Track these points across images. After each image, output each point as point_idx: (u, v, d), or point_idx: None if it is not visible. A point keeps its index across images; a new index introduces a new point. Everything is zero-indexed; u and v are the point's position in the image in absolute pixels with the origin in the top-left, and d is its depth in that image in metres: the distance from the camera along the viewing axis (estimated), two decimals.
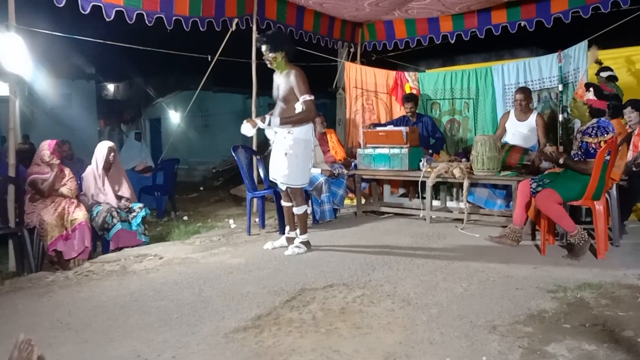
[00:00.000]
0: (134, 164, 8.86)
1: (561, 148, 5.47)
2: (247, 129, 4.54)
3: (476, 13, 7.25)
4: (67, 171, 5.12)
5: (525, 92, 5.89)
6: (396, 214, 6.45)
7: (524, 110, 5.87)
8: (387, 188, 7.22)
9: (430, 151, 6.66)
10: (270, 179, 4.83)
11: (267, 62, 4.51)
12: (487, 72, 6.93)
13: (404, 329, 2.83)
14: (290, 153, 4.45)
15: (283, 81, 4.48)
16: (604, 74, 5.85)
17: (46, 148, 4.98)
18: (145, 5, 5.39)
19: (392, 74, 7.75)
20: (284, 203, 4.87)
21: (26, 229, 4.58)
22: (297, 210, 4.66)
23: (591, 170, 4.10)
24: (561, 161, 4.32)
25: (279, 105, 4.58)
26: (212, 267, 4.29)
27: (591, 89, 4.26)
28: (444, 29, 7.67)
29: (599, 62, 5.89)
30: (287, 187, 4.64)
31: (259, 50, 4.59)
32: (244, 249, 4.99)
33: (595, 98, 4.19)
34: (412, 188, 6.78)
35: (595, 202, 4.23)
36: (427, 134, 6.87)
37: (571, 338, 2.64)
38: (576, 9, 6.38)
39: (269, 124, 4.45)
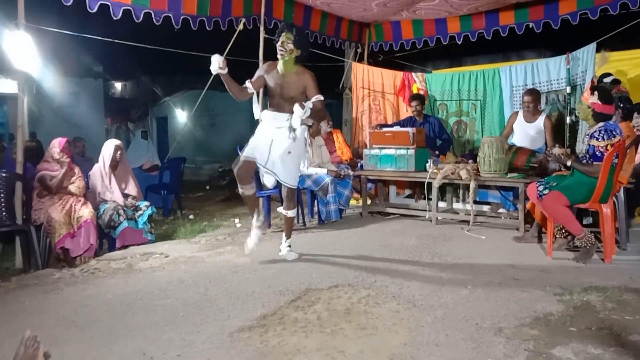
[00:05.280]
0: (141, 162, 8.89)
1: (569, 150, 5.44)
2: (216, 62, 4.00)
3: (484, 14, 7.23)
4: (76, 170, 5.16)
5: (533, 94, 5.86)
6: (402, 215, 6.44)
7: (532, 112, 5.84)
8: (393, 189, 7.22)
9: (437, 152, 6.64)
10: (273, 174, 4.27)
11: (282, 51, 4.14)
12: (495, 74, 6.90)
13: (409, 331, 2.82)
14: (293, 153, 4.29)
15: (292, 80, 4.26)
16: (607, 80, 5.82)
17: (56, 146, 5.01)
18: (153, 4, 5.40)
19: (400, 74, 7.73)
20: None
21: (33, 226, 4.60)
22: (292, 213, 4.55)
23: (598, 174, 4.08)
24: (569, 163, 4.30)
25: (282, 102, 4.27)
26: (217, 266, 4.29)
27: (596, 92, 4.21)
28: (451, 29, 7.65)
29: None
30: (288, 187, 4.41)
31: (279, 34, 4.18)
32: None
33: (599, 102, 4.15)
34: (419, 189, 6.77)
35: (602, 205, 4.20)
36: (434, 135, 6.85)
37: (577, 341, 2.63)
38: (584, 11, 6.34)
39: (305, 112, 4.11)
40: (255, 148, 4.26)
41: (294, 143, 4.26)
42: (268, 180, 4.46)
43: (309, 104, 4.13)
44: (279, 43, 4.17)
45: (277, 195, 5.65)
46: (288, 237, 4.55)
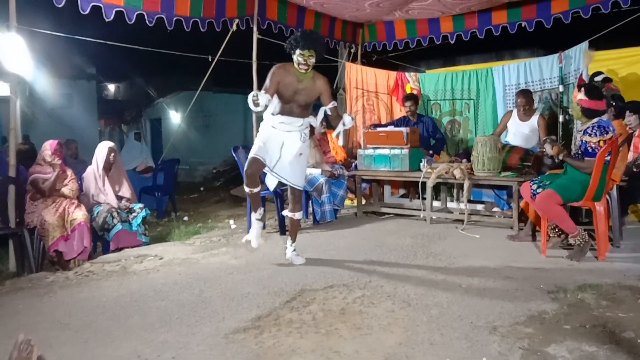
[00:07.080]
0: (135, 164, 8.85)
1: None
2: (264, 99, 3.88)
3: (476, 13, 7.26)
4: (69, 172, 5.13)
5: (526, 96, 5.87)
6: (396, 215, 6.45)
7: (526, 112, 5.87)
8: (387, 189, 7.22)
9: (431, 152, 6.66)
10: (281, 178, 4.28)
11: (304, 67, 4.07)
12: (488, 73, 6.93)
13: (404, 330, 2.83)
14: (303, 154, 4.31)
15: (309, 86, 4.19)
16: (598, 78, 5.85)
17: (48, 148, 4.98)
18: (146, 5, 5.38)
19: (393, 74, 7.75)
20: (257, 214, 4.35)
21: (26, 229, 4.57)
22: (299, 215, 4.50)
23: (589, 169, 4.10)
24: (561, 157, 4.32)
25: (295, 108, 4.22)
26: (212, 268, 4.29)
27: (582, 89, 4.25)
28: (444, 29, 7.68)
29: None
30: (295, 189, 4.37)
31: (297, 48, 4.02)
32: (244, 249, 4.96)
33: (586, 98, 4.18)
34: (413, 189, 6.78)
35: (595, 203, 4.22)
36: (428, 135, 6.87)
37: (571, 339, 2.64)
38: (576, 10, 6.39)
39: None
40: (266, 150, 4.19)
41: (304, 145, 4.31)
42: (270, 182, 4.46)
43: (325, 110, 4.33)
44: (302, 61, 4.05)
45: (272, 197, 5.64)
46: (293, 240, 4.49)
